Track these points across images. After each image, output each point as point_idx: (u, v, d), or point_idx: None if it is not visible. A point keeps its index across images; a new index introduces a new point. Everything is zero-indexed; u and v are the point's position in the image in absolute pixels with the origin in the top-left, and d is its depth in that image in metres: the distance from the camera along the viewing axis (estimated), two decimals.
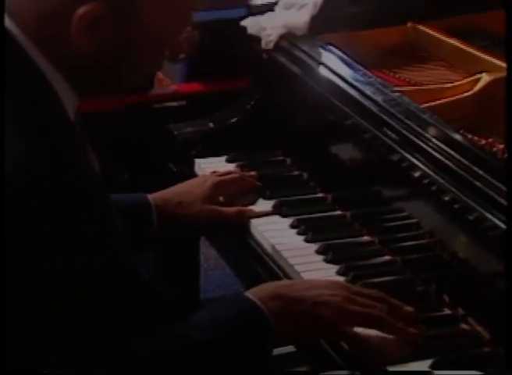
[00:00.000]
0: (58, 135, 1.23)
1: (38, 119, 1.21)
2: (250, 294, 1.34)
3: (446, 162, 1.50)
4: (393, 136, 1.63)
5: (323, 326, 1.35)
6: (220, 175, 1.86)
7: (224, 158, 2.03)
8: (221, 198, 1.83)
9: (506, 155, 1.66)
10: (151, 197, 1.76)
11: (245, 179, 1.88)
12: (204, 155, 2.04)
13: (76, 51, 1.23)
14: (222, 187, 1.82)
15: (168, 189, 1.86)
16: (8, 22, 1.23)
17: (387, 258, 1.64)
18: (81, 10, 1.18)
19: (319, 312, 1.33)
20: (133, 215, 1.70)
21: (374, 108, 1.71)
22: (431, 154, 1.54)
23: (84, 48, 1.22)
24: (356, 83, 1.81)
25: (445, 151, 1.51)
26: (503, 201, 1.37)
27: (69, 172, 1.20)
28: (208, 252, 3.11)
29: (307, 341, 1.41)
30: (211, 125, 2.10)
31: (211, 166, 2.02)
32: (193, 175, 2.01)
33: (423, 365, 1.33)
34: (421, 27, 2.13)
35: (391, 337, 1.36)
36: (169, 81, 2.38)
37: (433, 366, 1.32)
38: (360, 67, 1.89)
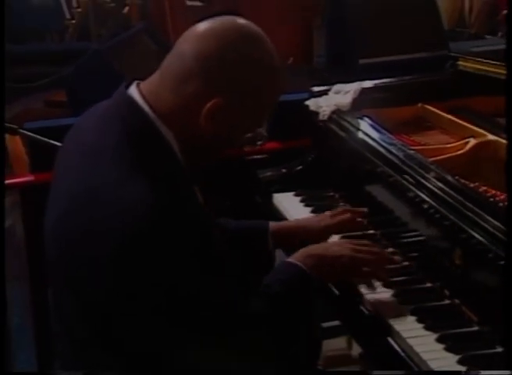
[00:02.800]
0: (176, 180, 1.25)
1: (159, 166, 1.24)
2: (293, 259, 1.46)
3: (446, 197, 1.55)
4: (410, 180, 1.68)
5: (342, 268, 1.49)
6: (334, 215, 1.75)
7: (292, 193, 2.07)
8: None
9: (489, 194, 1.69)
10: (272, 224, 1.72)
11: (353, 220, 1.75)
12: (279, 191, 2.09)
13: (196, 131, 1.28)
14: (333, 227, 1.71)
15: (289, 221, 1.87)
16: (147, 108, 1.27)
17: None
18: (210, 104, 1.24)
19: (339, 260, 1.48)
20: (253, 236, 1.70)
21: (396, 161, 1.76)
22: (435, 192, 1.59)
23: (205, 130, 1.27)
24: (383, 144, 1.86)
25: (445, 190, 1.57)
26: (486, 225, 1.42)
27: (186, 204, 1.23)
28: None
29: (332, 280, 1.52)
30: (284, 171, 2.18)
31: (284, 198, 2.06)
32: (271, 204, 2.07)
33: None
34: (427, 107, 2.18)
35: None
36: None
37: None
38: (386, 132, 1.94)
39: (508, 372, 1.21)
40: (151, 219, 1.15)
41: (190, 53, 1.27)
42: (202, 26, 1.30)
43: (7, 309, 1.46)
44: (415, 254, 1.69)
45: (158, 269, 1.15)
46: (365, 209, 1.80)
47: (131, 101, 1.29)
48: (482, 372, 1.27)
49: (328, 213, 1.80)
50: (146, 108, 1.28)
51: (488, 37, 6.58)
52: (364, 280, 1.56)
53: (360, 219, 1.78)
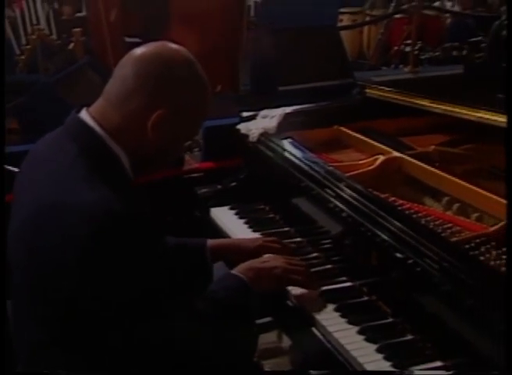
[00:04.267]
0: (124, 190, 1.26)
1: (110, 178, 1.25)
2: (236, 271, 1.49)
3: (361, 206, 1.58)
4: (330, 192, 1.69)
5: (277, 279, 1.51)
6: (265, 240, 1.73)
7: (228, 207, 2.07)
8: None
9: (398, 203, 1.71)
10: (209, 241, 1.71)
11: (283, 246, 1.73)
12: (215, 205, 2.08)
13: (143, 142, 1.31)
14: (265, 248, 1.69)
15: (226, 239, 1.85)
16: (97, 127, 1.29)
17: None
18: (154, 116, 1.28)
19: (273, 271, 1.51)
20: (192, 252, 1.69)
21: (318, 176, 1.78)
22: (352, 203, 1.61)
23: (151, 140, 1.30)
24: (306, 161, 1.87)
25: (360, 200, 1.60)
26: (396, 230, 1.45)
27: (134, 212, 1.22)
28: None
29: (269, 288, 1.51)
30: (220, 187, 2.16)
31: (220, 212, 2.05)
32: (209, 217, 2.05)
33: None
34: (342, 128, 2.20)
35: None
36: (193, 161, 2.41)
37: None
38: (308, 151, 1.96)
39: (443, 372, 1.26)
40: (104, 223, 1.16)
41: (129, 74, 1.30)
42: (139, 50, 1.35)
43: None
44: (337, 257, 1.70)
45: (113, 267, 1.17)
46: (293, 247, 1.80)
47: (82, 123, 1.32)
48: (416, 371, 1.29)
49: (260, 237, 1.82)
50: (96, 127, 1.30)
51: (383, 68, 6.78)
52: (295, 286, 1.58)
53: (287, 246, 1.77)
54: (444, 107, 1.95)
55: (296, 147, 2.00)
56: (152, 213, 1.34)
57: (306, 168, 1.86)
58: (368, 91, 2.28)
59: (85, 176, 1.23)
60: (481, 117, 1.80)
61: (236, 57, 5.38)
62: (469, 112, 1.86)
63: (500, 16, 5.80)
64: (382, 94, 2.22)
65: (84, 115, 1.33)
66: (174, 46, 1.37)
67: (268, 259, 1.58)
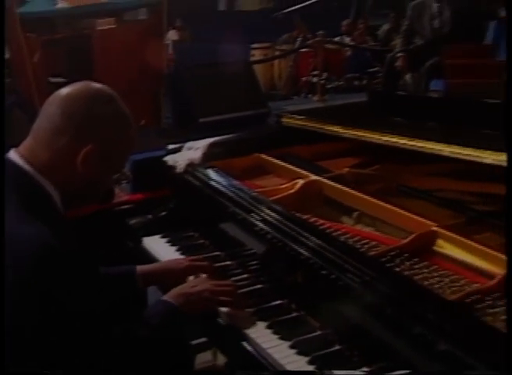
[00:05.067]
0: (57, 223, 1.26)
1: (42, 213, 1.24)
2: (167, 297, 1.48)
3: (285, 228, 1.59)
4: (256, 216, 1.69)
5: (206, 301, 1.50)
6: (191, 260, 1.73)
7: (159, 236, 2.03)
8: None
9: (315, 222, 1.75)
10: (139, 267, 1.68)
11: (209, 264, 1.71)
12: (147, 235, 2.04)
13: (73, 177, 1.32)
14: (191, 268, 1.68)
15: (154, 264, 1.79)
16: (26, 166, 1.29)
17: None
18: (84, 151, 1.29)
19: (202, 295, 1.49)
20: (124, 280, 1.66)
21: (243, 202, 1.78)
22: (276, 225, 1.62)
23: (82, 174, 1.31)
24: (231, 188, 1.87)
25: (284, 222, 1.61)
26: (319, 248, 1.47)
27: (66, 245, 1.23)
28: None
29: (199, 310, 1.50)
30: (150, 217, 2.13)
31: (152, 241, 2.01)
32: (141, 247, 2.01)
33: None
34: (262, 156, 2.20)
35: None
36: (123, 194, 2.37)
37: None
38: (232, 179, 1.95)
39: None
40: (37, 255, 1.17)
41: (56, 113, 1.31)
42: (64, 90, 1.35)
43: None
44: (265, 277, 1.69)
45: (46, 298, 1.18)
46: (220, 265, 1.78)
47: (12, 163, 1.31)
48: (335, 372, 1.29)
49: (186, 258, 1.80)
50: (26, 166, 1.31)
51: (294, 97, 6.91)
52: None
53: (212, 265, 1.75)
54: (354, 132, 1.98)
55: (220, 175, 1.99)
56: (84, 246, 1.33)
57: (231, 195, 1.85)
58: (284, 120, 2.29)
59: (19, 211, 1.23)
60: (387, 140, 1.85)
61: (157, 92, 5.39)
62: (376, 136, 1.90)
63: (392, 49, 6.04)
64: (297, 122, 2.24)
65: (13, 155, 1.32)
66: (97, 85, 1.38)
67: (196, 283, 1.57)
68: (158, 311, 1.46)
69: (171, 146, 2.19)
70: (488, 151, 1.58)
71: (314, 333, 1.44)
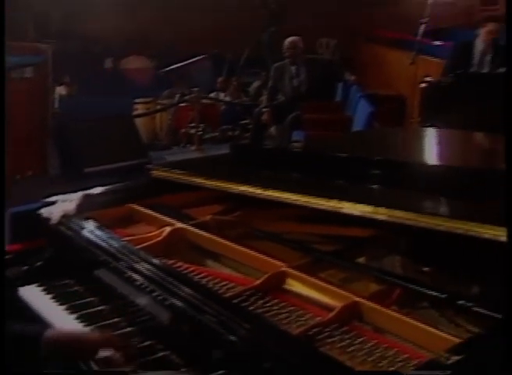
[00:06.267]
0: None
1: None
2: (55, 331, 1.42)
3: (148, 273, 1.56)
4: (125, 264, 1.64)
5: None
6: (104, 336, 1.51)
7: (35, 285, 1.93)
8: None
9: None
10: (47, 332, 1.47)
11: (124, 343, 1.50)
12: (23, 284, 1.94)
13: None
14: (104, 344, 1.46)
15: (64, 331, 1.57)
16: None
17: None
18: None
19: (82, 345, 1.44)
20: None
21: (113, 250, 1.72)
22: (142, 271, 1.58)
23: None
24: (102, 238, 1.81)
25: (151, 270, 1.57)
26: (184, 294, 1.45)
27: None
28: None
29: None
30: (27, 267, 2.01)
31: (29, 290, 1.91)
32: (18, 297, 1.89)
33: None
34: (134, 206, 2.14)
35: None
36: None
37: None
38: (104, 228, 1.89)
39: None
40: None
41: None
42: None
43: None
44: (139, 319, 1.62)
45: None
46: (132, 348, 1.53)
47: None
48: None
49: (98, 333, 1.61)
50: None
51: (174, 147, 6.95)
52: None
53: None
54: (215, 183, 2.01)
55: (93, 225, 1.93)
56: None
57: (102, 244, 1.80)
58: (154, 172, 2.28)
59: None
60: (244, 190, 1.89)
61: (44, 144, 5.25)
62: (233, 186, 1.93)
63: (259, 104, 6.23)
64: (165, 174, 2.22)
65: None
66: None
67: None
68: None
69: (48, 198, 2.10)
70: (334, 200, 1.65)
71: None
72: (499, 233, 1.33)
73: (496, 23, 5.29)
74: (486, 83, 4.72)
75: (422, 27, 5.68)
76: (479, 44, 5.30)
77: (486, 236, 1.34)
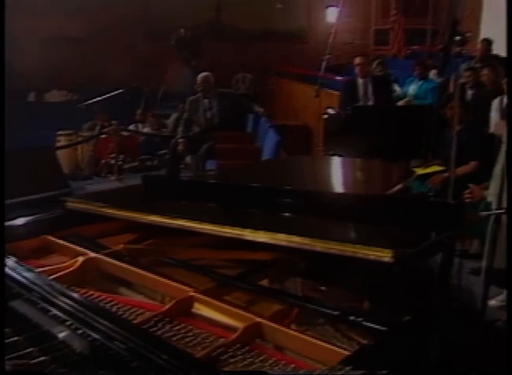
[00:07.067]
0: None
1: None
2: None
3: (59, 302, 1.48)
4: (38, 295, 1.56)
5: None
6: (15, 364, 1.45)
7: None
8: None
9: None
10: None
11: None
12: None
13: None
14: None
15: None
16: None
17: None
18: None
19: None
20: None
21: (26, 282, 1.63)
22: (53, 301, 1.51)
23: None
24: (15, 269, 1.70)
25: (64, 300, 1.50)
26: (97, 325, 1.38)
27: None
28: None
29: None
30: None
31: None
32: None
33: None
34: (49, 237, 2.07)
35: None
36: None
37: None
38: (18, 260, 1.76)
39: None
40: None
41: None
42: None
43: None
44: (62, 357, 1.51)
45: None
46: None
47: None
48: None
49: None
50: None
51: (95, 177, 6.82)
52: None
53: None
54: (126, 213, 1.96)
55: (7, 258, 1.80)
56: None
57: (15, 275, 1.70)
58: (69, 203, 2.21)
59: None
60: (153, 220, 1.86)
61: None
62: (145, 216, 1.90)
63: (176, 135, 6.23)
64: (80, 205, 2.15)
65: None
66: None
67: None
68: None
69: None
70: (238, 228, 1.65)
71: None
72: (384, 255, 1.38)
73: (361, 56, 5.59)
74: (378, 114, 4.95)
75: (324, 64, 5.88)
76: (359, 79, 5.55)
77: (372, 257, 1.38)
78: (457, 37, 2.17)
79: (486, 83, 5.82)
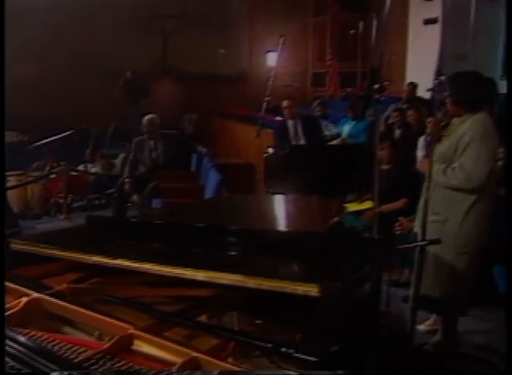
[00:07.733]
0: None
1: None
2: None
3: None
4: None
5: None
6: None
7: None
8: None
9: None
10: None
11: None
12: None
13: None
14: None
15: None
16: None
17: None
18: None
19: None
20: None
21: None
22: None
23: None
24: None
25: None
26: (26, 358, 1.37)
27: None
28: None
29: None
30: None
31: None
32: None
33: None
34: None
35: None
36: None
37: None
38: None
39: None
40: None
41: None
42: None
43: None
44: None
45: None
46: None
47: None
48: None
49: None
50: None
51: (44, 216, 6.66)
52: None
53: None
54: (69, 254, 1.95)
55: None
56: None
57: None
58: (13, 245, 2.16)
59: None
60: (95, 260, 1.86)
61: None
62: (87, 256, 1.90)
63: (122, 175, 6.21)
64: (24, 247, 2.11)
65: None
66: None
67: None
68: None
69: None
70: (179, 267, 1.68)
71: None
72: (311, 289, 1.43)
73: (288, 99, 5.63)
74: (315, 153, 5.07)
75: (265, 105, 5.99)
76: (289, 121, 5.64)
77: (300, 292, 1.43)
78: (376, 86, 2.29)
79: (412, 123, 6.09)
